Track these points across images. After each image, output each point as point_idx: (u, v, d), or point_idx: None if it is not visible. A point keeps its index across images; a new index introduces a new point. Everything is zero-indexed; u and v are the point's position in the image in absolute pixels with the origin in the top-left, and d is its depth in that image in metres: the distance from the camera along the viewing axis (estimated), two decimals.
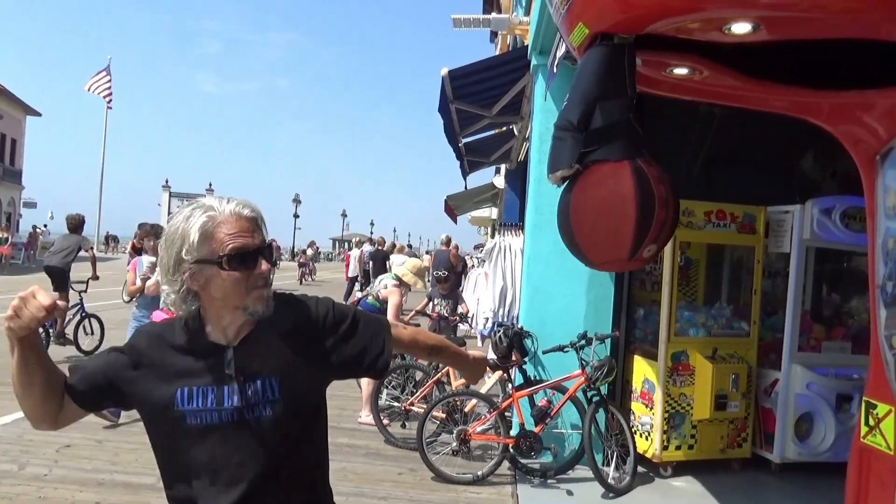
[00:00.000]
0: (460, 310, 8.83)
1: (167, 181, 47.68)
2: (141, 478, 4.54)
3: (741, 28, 1.51)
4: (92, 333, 8.51)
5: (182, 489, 1.48)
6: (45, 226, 33.52)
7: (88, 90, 25.99)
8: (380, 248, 16.99)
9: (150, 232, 6.30)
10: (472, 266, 11.84)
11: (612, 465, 5.01)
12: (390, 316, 5.89)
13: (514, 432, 5.13)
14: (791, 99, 2.02)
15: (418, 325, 5.48)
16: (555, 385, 5.19)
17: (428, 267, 11.99)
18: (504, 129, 10.86)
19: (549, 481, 5.00)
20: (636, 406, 5.57)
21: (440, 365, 5.74)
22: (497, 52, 16.25)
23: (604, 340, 5.27)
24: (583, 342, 5.12)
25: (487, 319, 7.30)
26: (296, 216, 54.45)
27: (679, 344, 5.33)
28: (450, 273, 9.27)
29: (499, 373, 5.47)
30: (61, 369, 1.51)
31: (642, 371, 5.52)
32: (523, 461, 5.04)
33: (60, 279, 8.24)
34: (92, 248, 9.48)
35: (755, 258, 5.53)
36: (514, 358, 5.32)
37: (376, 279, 6.71)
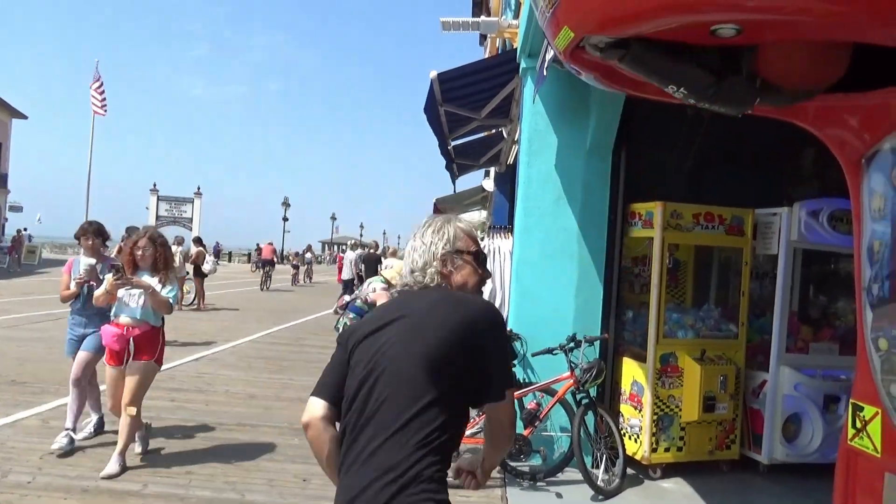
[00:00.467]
0: None
1: (155, 185, 47.37)
2: (125, 484, 4.49)
3: (727, 32, 1.51)
4: None
5: None
6: (25, 229, 33.22)
7: (91, 104, 25.76)
8: (373, 251, 16.95)
9: (89, 230, 5.31)
10: None
11: (602, 467, 5.01)
12: None
13: None
14: None
15: None
16: (544, 388, 5.18)
17: None
18: (493, 131, 10.87)
19: (538, 484, 4.99)
20: (625, 408, 5.57)
21: None
22: (486, 56, 16.26)
23: (593, 343, 5.28)
24: (572, 344, 5.12)
25: None
26: (285, 219, 54.33)
27: (667, 346, 5.34)
28: None
29: None
30: None
31: (631, 373, 5.52)
32: (513, 464, 5.03)
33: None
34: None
35: (743, 260, 5.56)
36: None
37: (365, 283, 6.68)
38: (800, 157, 6.04)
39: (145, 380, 4.84)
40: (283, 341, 11.40)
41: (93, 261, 5.28)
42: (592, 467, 5.00)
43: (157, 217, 45.42)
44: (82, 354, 5.20)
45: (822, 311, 6.18)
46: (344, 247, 34.21)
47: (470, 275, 1.90)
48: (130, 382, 4.73)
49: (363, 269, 16.50)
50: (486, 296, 6.92)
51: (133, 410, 4.73)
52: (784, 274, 5.48)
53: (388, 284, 6.27)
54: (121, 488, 4.43)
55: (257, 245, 41.73)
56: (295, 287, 27.21)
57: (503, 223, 9.06)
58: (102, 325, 4.89)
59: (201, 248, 16.57)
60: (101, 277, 5.05)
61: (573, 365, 5.07)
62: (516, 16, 7.83)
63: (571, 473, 5.05)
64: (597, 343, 5.35)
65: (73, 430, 5.13)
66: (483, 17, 8.34)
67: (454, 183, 13.59)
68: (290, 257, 34.93)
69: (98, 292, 4.84)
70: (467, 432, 5.17)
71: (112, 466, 4.65)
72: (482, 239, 9.27)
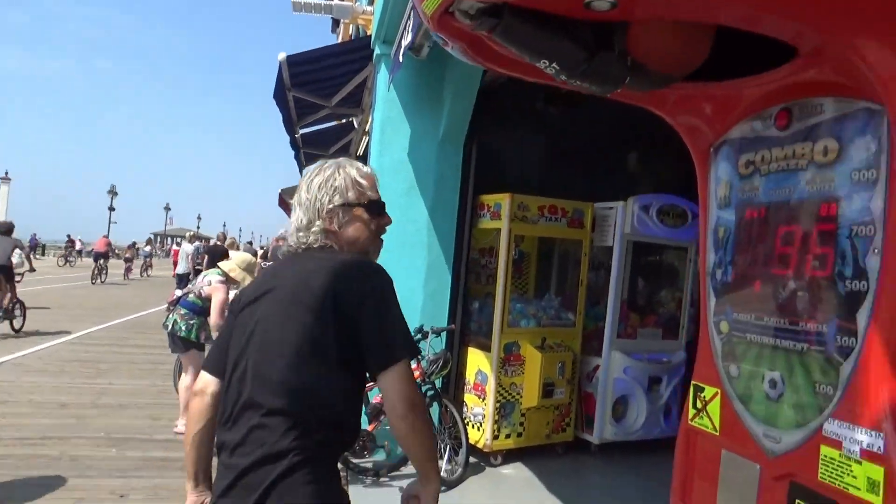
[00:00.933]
0: None
1: None
2: None
3: (601, 5, 1.46)
4: (21, 315, 10.31)
5: None
6: None
7: None
8: (219, 243, 15.83)
9: None
10: None
11: (445, 457, 5.00)
12: (214, 315, 5.40)
13: None
14: None
15: None
16: None
17: (258, 262, 11.37)
18: (344, 121, 10.57)
19: (381, 480, 4.87)
20: (469, 398, 5.62)
21: None
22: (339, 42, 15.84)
23: (440, 334, 5.25)
24: (419, 336, 5.06)
25: None
26: (111, 209, 49.68)
27: (511, 335, 5.45)
28: None
29: None
30: None
31: (476, 363, 5.58)
32: (355, 461, 4.87)
33: (7, 274, 9.98)
34: (26, 247, 12.09)
35: (583, 251, 5.82)
36: None
37: (201, 276, 6.15)
38: (633, 155, 6.45)
39: None
40: (103, 342, 10.25)
41: None
42: None
43: None
44: None
45: (648, 299, 6.67)
46: (180, 239, 32.04)
47: (361, 230, 1.73)
48: None
49: (205, 261, 15.42)
50: None
51: None
52: (618, 264, 5.81)
53: (227, 278, 5.82)
54: None
55: (68, 237, 37.80)
56: (129, 281, 24.98)
57: None
58: None
59: None
60: None
61: (420, 357, 5.00)
62: (371, 2, 7.63)
63: None
64: (444, 334, 5.34)
65: None
66: (336, 1, 8.02)
67: (301, 173, 13.07)
68: (123, 250, 32.13)
69: None
70: None
71: None
72: None
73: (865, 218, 1.62)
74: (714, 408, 2.08)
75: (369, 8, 7.24)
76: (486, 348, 5.50)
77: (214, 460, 1.65)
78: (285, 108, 7.45)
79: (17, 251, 10.64)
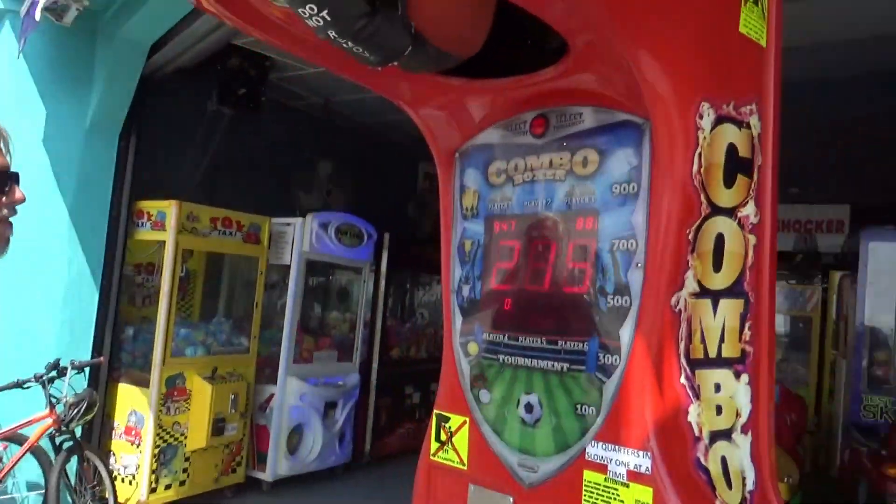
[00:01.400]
0: None
1: None
2: None
3: None
4: None
5: None
6: None
7: None
8: None
9: None
10: None
11: None
12: None
13: None
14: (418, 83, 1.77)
15: None
16: (7, 435, 3.86)
17: None
18: None
19: None
20: (119, 445, 4.65)
21: None
22: None
23: (83, 369, 4.19)
24: (54, 373, 3.95)
25: None
26: None
27: (175, 366, 4.67)
28: None
29: None
30: None
31: (129, 402, 4.65)
32: None
33: None
34: None
35: (259, 269, 5.32)
36: None
37: None
38: (314, 170, 6.20)
39: None
40: None
41: None
42: None
43: None
44: None
45: (321, 321, 6.48)
46: None
47: None
48: None
49: None
50: None
51: None
52: (296, 284, 5.47)
53: None
54: None
55: None
56: None
57: None
58: None
59: None
60: None
61: (54, 400, 3.92)
62: None
63: None
64: (88, 369, 4.30)
65: None
66: None
67: None
68: None
69: None
70: None
71: None
72: None
73: (627, 232, 1.59)
74: (461, 439, 1.88)
75: None
76: (142, 383, 4.61)
77: None
78: None
79: None
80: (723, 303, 1.57)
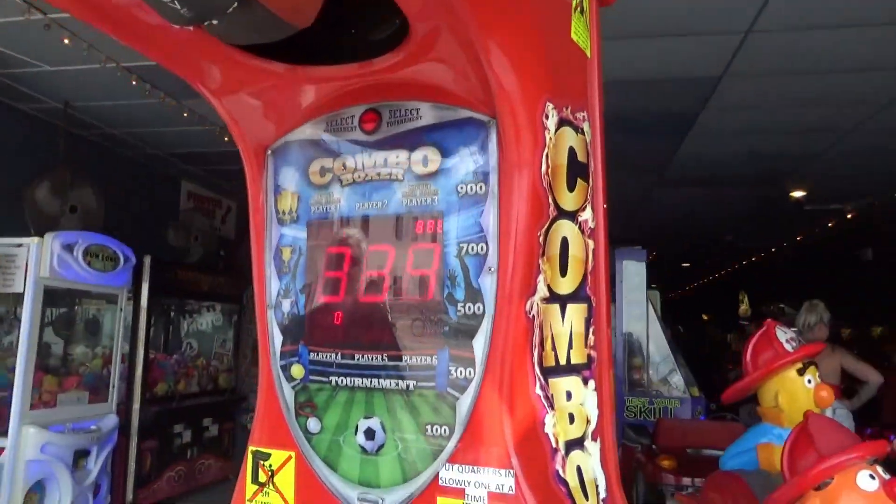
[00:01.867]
0: None
1: None
2: None
3: None
4: None
5: None
6: None
7: None
8: None
9: None
10: None
11: None
12: None
13: None
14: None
15: None
16: None
17: None
18: None
19: None
20: None
21: None
22: None
23: None
24: None
25: None
26: None
27: None
28: None
29: None
30: None
31: None
32: None
33: None
34: None
35: None
36: None
37: None
38: (55, 183, 5.24)
39: None
40: None
41: None
42: None
43: None
44: None
45: (64, 358, 5.52)
46: None
47: None
48: None
49: None
50: None
51: None
52: (31, 317, 4.58)
53: None
54: None
55: None
56: None
57: None
58: None
59: None
60: None
61: None
62: None
63: None
64: None
65: None
66: None
67: None
68: None
69: None
70: None
71: None
72: None
73: (476, 235, 1.48)
74: (286, 478, 1.61)
75: None
76: None
77: None
78: None
79: None
80: (570, 308, 1.54)
